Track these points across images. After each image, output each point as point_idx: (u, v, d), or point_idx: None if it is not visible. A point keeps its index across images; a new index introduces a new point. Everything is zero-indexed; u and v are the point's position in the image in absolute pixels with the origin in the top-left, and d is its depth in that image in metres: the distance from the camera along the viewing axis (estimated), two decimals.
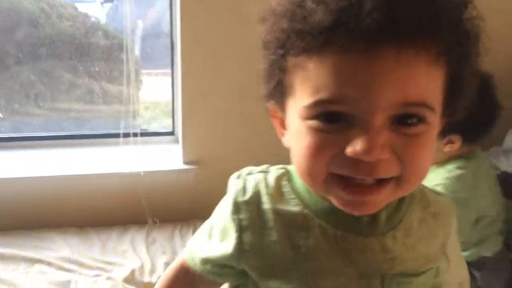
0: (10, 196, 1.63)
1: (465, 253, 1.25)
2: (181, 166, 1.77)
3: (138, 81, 2.91)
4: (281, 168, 0.59)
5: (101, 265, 1.46)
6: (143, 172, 1.70)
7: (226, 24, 1.61)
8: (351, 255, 0.54)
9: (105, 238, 1.60)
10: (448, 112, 0.51)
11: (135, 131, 1.76)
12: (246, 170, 0.61)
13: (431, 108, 0.46)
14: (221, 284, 0.66)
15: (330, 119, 0.45)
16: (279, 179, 0.57)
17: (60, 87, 2.41)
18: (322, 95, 0.44)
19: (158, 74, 2.43)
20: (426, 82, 0.45)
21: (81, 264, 1.45)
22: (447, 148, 1.17)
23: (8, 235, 1.52)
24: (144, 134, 1.80)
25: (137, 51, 2.55)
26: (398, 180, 0.47)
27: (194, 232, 1.61)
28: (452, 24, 0.45)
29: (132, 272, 1.43)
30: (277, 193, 0.56)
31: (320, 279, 0.54)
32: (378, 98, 0.43)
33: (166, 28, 2.19)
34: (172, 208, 1.75)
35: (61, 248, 1.52)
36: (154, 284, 1.38)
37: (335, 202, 0.49)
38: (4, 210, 1.62)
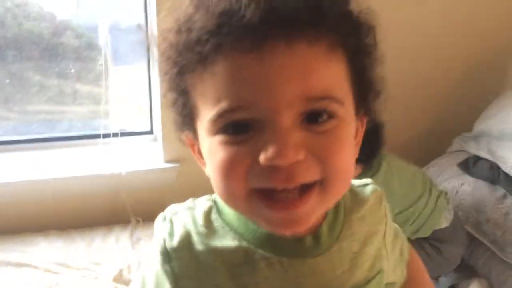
0: None
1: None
2: (162, 164, 1.77)
3: (111, 80, 2.89)
4: (207, 200, 0.54)
5: (87, 266, 1.46)
6: (125, 172, 1.70)
7: None
8: (302, 280, 0.50)
9: (89, 239, 1.59)
10: (363, 108, 0.49)
11: (113, 131, 1.76)
12: (171, 209, 0.56)
13: (337, 101, 0.43)
14: None
15: (238, 130, 0.43)
16: (207, 214, 0.52)
17: (30, 89, 2.37)
18: (223, 105, 0.42)
19: (127, 70, 2.42)
20: (327, 74, 0.43)
21: (67, 266, 1.44)
22: None
23: None
24: (123, 134, 1.79)
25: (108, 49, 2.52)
26: (322, 184, 0.44)
27: None
28: (341, 15, 0.43)
29: (120, 271, 1.43)
30: (209, 230, 0.51)
31: None
32: (277, 95, 0.41)
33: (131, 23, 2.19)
34: (154, 206, 1.74)
35: (46, 251, 1.50)
36: None
37: (262, 224, 0.46)
38: None
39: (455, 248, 1.42)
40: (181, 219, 0.53)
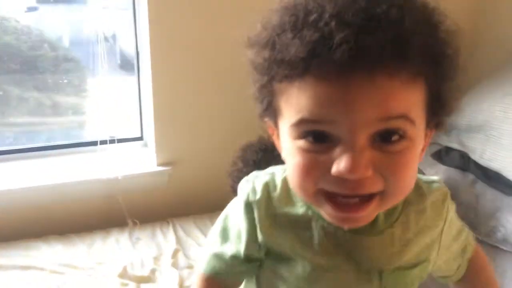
0: None
1: None
2: (155, 168, 1.85)
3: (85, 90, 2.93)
4: (285, 171, 0.60)
5: (91, 265, 1.52)
6: (120, 176, 1.77)
7: (195, 30, 1.71)
8: (352, 253, 0.58)
9: (90, 242, 1.65)
10: (432, 125, 0.54)
11: (106, 138, 1.83)
12: (253, 174, 0.64)
13: (411, 121, 0.48)
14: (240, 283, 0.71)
15: (317, 138, 0.48)
16: (285, 181, 0.60)
17: (9, 102, 2.39)
18: (304, 114, 0.48)
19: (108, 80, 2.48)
20: (404, 100, 0.47)
21: (72, 267, 1.50)
22: None
23: None
24: (117, 141, 1.86)
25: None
26: (382, 195, 0.50)
27: (174, 229, 1.71)
28: (423, 48, 0.47)
29: (124, 268, 1.50)
30: (284, 195, 0.60)
31: (321, 274, 0.60)
32: (356, 119, 0.46)
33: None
34: (149, 208, 1.82)
35: (49, 254, 1.55)
36: (147, 277, 1.47)
37: (324, 215, 0.54)
38: None
39: None
40: (262, 180, 0.61)
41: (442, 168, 1.76)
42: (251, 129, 1.84)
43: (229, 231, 0.65)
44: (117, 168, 1.78)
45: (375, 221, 0.57)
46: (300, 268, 0.60)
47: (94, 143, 1.85)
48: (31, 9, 3.55)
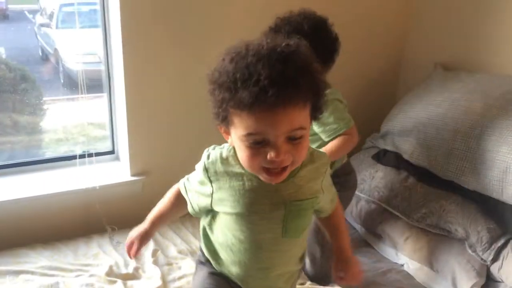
0: None
1: None
2: (129, 178, 2.04)
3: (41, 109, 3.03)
4: (231, 148, 0.97)
5: (79, 267, 1.68)
6: (98, 186, 1.94)
7: (167, 50, 1.92)
8: (268, 193, 0.96)
9: (74, 247, 1.80)
10: (313, 119, 0.92)
11: (79, 153, 2.01)
12: (211, 147, 1.02)
13: (304, 128, 0.87)
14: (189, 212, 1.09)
15: (257, 142, 0.86)
16: (228, 152, 0.98)
17: None
18: (250, 130, 0.85)
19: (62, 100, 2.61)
20: (301, 117, 0.86)
21: (62, 269, 1.66)
22: None
23: None
24: (90, 155, 2.03)
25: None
26: (291, 164, 0.89)
27: None
28: (308, 88, 0.85)
29: (110, 267, 1.67)
30: (227, 160, 0.97)
31: (251, 206, 0.96)
32: (278, 131, 0.84)
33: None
34: (126, 215, 1.99)
35: (38, 260, 1.70)
36: (132, 275, 1.65)
37: (262, 178, 0.92)
38: None
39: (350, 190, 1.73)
40: (215, 151, 1.00)
41: (380, 167, 2.06)
42: (215, 141, 2.09)
43: (198, 178, 1.03)
44: (94, 180, 1.95)
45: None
46: (234, 203, 0.97)
47: (73, 157, 2.01)
48: None
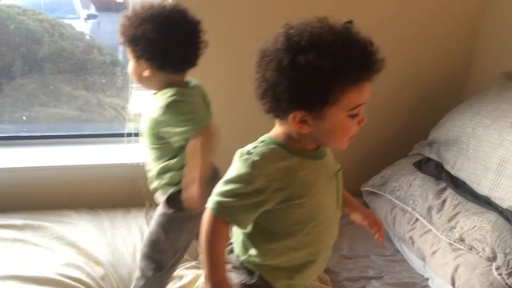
0: (37, 181, 2.01)
1: None
2: None
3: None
4: (263, 141, 0.96)
5: (111, 235, 1.85)
6: (142, 163, 2.09)
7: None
8: (322, 169, 0.99)
9: (112, 216, 1.98)
10: None
11: (133, 131, 2.17)
12: (251, 145, 0.95)
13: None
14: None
15: (356, 113, 0.90)
16: (270, 145, 0.94)
17: (61, 99, 2.76)
18: (360, 101, 0.89)
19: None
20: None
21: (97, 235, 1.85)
22: (145, 74, 1.39)
23: (38, 213, 1.90)
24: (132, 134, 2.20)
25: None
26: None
27: None
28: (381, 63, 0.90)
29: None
30: (275, 154, 0.93)
31: (315, 186, 0.96)
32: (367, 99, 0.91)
33: None
34: None
35: (78, 222, 1.90)
36: None
37: (337, 147, 0.96)
38: (34, 193, 2.00)
39: None
40: (260, 149, 0.93)
41: (420, 175, 1.97)
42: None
43: (248, 187, 0.91)
44: (139, 156, 2.11)
45: (323, 154, 1.01)
46: (302, 191, 0.95)
47: (121, 135, 2.19)
48: (90, 16, 3.95)
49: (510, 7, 2.14)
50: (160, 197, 1.53)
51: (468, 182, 1.76)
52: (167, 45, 1.34)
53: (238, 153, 0.95)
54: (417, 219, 1.86)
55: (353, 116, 0.90)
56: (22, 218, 1.85)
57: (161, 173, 1.47)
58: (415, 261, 1.88)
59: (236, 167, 0.93)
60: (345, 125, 0.91)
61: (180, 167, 1.42)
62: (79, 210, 1.99)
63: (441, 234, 1.74)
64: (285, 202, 0.94)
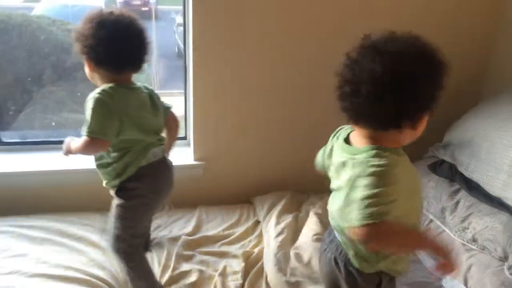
0: (63, 183, 2.12)
1: None
2: (192, 162, 2.25)
3: None
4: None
5: None
6: None
7: (231, 51, 2.09)
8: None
9: None
10: None
11: None
12: (376, 157, 1.06)
13: None
14: None
15: None
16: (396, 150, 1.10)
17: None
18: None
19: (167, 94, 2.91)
20: None
21: None
22: (86, 70, 1.55)
23: (64, 214, 2.02)
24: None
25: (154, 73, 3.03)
26: None
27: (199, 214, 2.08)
28: None
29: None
30: (400, 153, 1.11)
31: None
32: None
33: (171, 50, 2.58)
34: (187, 194, 2.22)
35: (93, 223, 1.99)
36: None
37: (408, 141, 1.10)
38: (60, 195, 2.11)
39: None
40: (390, 156, 1.08)
41: (434, 177, 2.00)
42: (270, 136, 2.21)
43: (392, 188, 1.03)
44: None
45: None
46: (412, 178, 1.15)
47: None
48: None
49: None
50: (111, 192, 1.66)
51: (481, 184, 1.78)
52: (101, 42, 1.44)
53: None
54: (431, 220, 1.88)
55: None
56: (50, 220, 1.96)
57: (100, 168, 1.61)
58: (428, 261, 1.90)
59: None
60: (423, 126, 1.10)
61: (114, 161, 1.55)
62: (103, 211, 2.08)
63: (454, 235, 1.76)
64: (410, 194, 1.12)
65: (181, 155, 2.30)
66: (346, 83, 1.06)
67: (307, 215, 2.05)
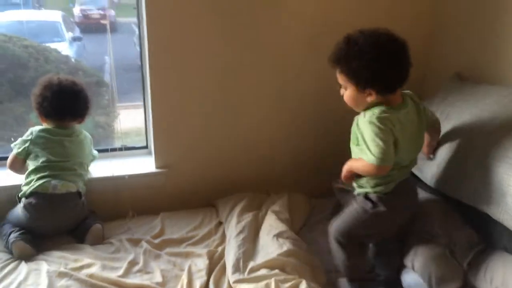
0: None
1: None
2: (154, 170, 2.32)
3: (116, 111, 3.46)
4: None
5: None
6: (127, 176, 2.25)
7: (189, 55, 2.16)
8: None
9: None
10: None
11: (119, 146, 2.33)
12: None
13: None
14: None
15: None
16: None
17: None
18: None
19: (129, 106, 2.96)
20: None
21: None
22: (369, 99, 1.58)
23: None
24: (126, 148, 2.36)
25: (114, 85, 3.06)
26: None
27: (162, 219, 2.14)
28: None
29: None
30: None
31: None
32: None
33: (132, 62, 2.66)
34: (149, 203, 2.29)
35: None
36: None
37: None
38: None
39: None
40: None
41: None
42: (230, 143, 2.29)
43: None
44: (124, 169, 2.27)
45: None
46: None
47: (113, 150, 2.38)
48: (75, 39, 4.08)
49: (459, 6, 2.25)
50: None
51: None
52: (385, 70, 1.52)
53: None
54: None
55: None
56: None
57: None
58: None
59: None
60: None
61: None
62: None
63: None
64: None
65: (143, 164, 2.37)
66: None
67: (266, 214, 2.15)
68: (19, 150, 2.05)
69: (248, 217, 2.09)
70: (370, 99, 1.56)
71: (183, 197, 2.36)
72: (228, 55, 2.19)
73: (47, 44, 3.70)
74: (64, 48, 3.88)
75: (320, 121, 2.41)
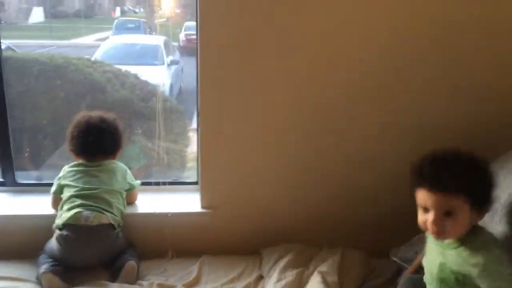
0: None
1: None
2: (200, 209, 2.17)
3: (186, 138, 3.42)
4: None
5: None
6: (170, 213, 2.13)
7: (241, 97, 2.02)
8: None
9: None
10: None
11: (164, 180, 2.24)
12: None
13: None
14: None
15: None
16: None
17: None
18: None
19: None
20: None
21: None
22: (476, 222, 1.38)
23: None
24: (172, 183, 2.25)
25: None
26: None
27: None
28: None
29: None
30: None
31: None
32: None
33: None
34: (192, 244, 2.14)
35: None
36: None
37: None
38: None
39: None
40: None
41: None
42: (277, 184, 2.08)
43: None
44: (167, 206, 2.15)
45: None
46: None
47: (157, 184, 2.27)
48: (173, 62, 4.21)
49: None
50: None
51: None
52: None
53: None
54: None
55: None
56: None
57: None
58: None
59: None
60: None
61: None
62: None
63: None
64: None
65: (189, 201, 2.23)
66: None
67: (312, 274, 1.88)
68: (54, 188, 2.07)
69: (291, 276, 1.84)
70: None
71: (229, 240, 2.17)
72: (293, 89, 2.00)
73: (147, 66, 3.85)
74: (162, 70, 4.02)
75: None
